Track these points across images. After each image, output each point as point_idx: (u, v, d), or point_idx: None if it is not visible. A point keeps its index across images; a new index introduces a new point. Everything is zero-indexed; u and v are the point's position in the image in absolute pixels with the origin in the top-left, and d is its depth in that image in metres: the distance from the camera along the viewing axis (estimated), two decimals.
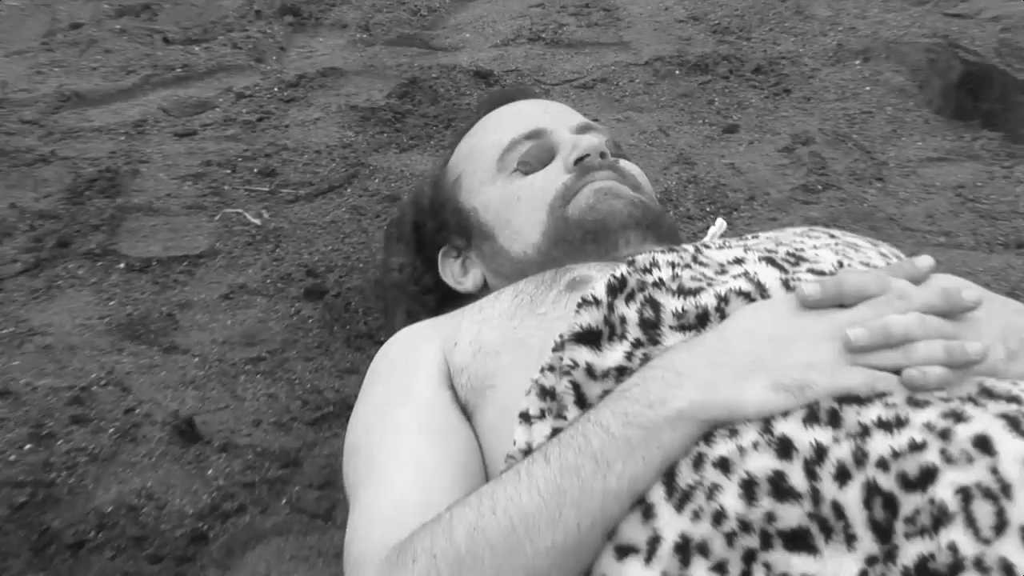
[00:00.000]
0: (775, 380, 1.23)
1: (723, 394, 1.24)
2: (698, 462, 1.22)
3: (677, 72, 2.83)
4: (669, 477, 1.23)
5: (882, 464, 1.16)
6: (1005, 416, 1.17)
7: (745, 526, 1.17)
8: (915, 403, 1.20)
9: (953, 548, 1.09)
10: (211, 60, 3.00)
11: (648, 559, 1.20)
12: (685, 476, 1.22)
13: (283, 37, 3.09)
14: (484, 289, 1.82)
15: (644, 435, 1.23)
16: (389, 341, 1.67)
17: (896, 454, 1.15)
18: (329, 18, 3.15)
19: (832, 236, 1.60)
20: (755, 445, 1.20)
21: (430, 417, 1.52)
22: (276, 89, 2.83)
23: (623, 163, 1.81)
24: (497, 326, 1.56)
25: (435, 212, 1.92)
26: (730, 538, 1.17)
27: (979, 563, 1.08)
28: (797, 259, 1.46)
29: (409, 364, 1.60)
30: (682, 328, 1.37)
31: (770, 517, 1.17)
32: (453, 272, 1.88)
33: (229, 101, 2.80)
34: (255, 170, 2.53)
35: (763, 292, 1.38)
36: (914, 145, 2.58)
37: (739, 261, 1.45)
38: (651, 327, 1.37)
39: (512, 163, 1.82)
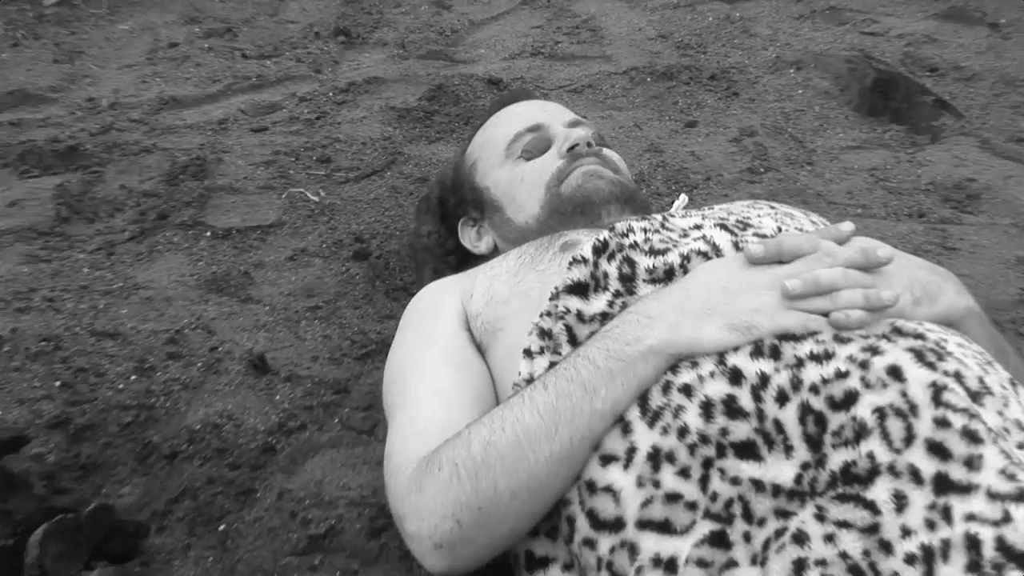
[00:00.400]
0: (727, 322, 1.23)
1: (686, 333, 1.23)
2: (666, 388, 1.22)
3: (648, 79, 2.80)
4: (643, 400, 1.23)
5: (814, 389, 1.16)
6: (912, 350, 1.18)
7: (704, 439, 1.18)
8: (840, 340, 1.20)
9: (871, 456, 1.10)
10: (279, 71, 2.97)
11: (626, 466, 1.21)
12: (656, 399, 1.22)
13: (336, 53, 3.06)
14: (494, 251, 1.80)
15: (623, 367, 1.23)
16: (419, 294, 1.66)
17: (825, 381, 1.16)
18: (373, 38, 3.12)
19: (772, 207, 1.59)
20: (712, 374, 1.21)
21: (452, 354, 1.51)
22: (331, 94, 2.81)
23: (606, 151, 1.79)
24: (505, 280, 1.55)
25: (456, 190, 1.90)
26: (692, 449, 1.18)
27: (892, 468, 1.09)
28: (745, 225, 1.45)
29: (435, 312, 1.59)
30: (653, 281, 1.36)
31: (724, 432, 1.17)
32: (470, 238, 1.87)
33: (293, 103, 2.78)
34: (314, 158, 2.51)
35: (718, 252, 1.38)
36: (837, 136, 2.56)
37: (698, 227, 1.44)
38: (628, 280, 1.37)
39: (517, 151, 1.80)
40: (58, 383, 1.74)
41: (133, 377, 1.77)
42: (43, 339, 1.84)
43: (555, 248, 1.54)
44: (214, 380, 1.77)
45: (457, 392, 1.44)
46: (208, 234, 2.22)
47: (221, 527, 1.50)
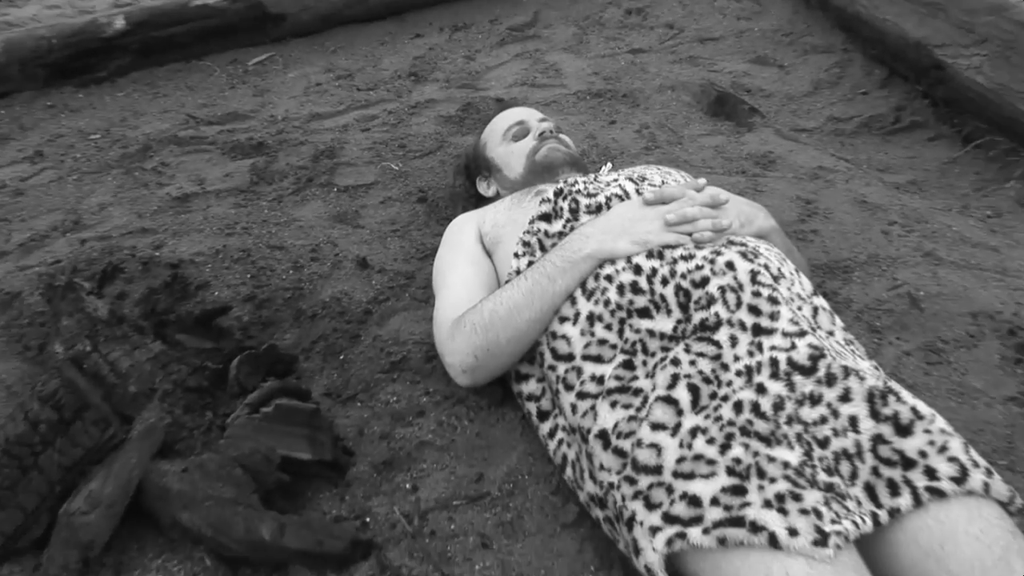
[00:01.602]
0: (632, 239, 1.15)
1: (608, 245, 1.15)
2: (596, 277, 1.14)
3: (588, 98, 2.63)
4: (583, 284, 1.15)
5: (683, 276, 1.08)
6: (740, 252, 1.10)
7: (619, 307, 1.10)
8: (698, 248, 1.12)
9: (717, 315, 1.03)
10: (377, 97, 2.79)
11: (574, 323, 1.13)
12: (590, 283, 1.14)
13: (410, 86, 2.87)
14: (497, 196, 1.68)
15: (571, 265, 1.16)
16: (453, 221, 1.56)
17: (689, 271, 1.08)
18: (430, 77, 2.94)
19: (659, 168, 1.49)
20: (624, 268, 1.12)
21: (471, 257, 1.41)
22: (406, 109, 2.63)
23: (562, 136, 1.67)
24: (503, 213, 1.45)
25: (475, 159, 1.78)
26: (612, 312, 1.10)
27: (729, 321, 1.02)
28: (642, 179, 1.35)
29: (462, 232, 1.49)
30: (589, 213, 1.27)
31: (631, 302, 1.10)
32: (483, 188, 1.75)
33: (385, 115, 2.61)
34: (396, 145, 2.36)
35: (627, 195, 1.28)
36: (695, 128, 2.41)
37: (616, 180, 1.34)
38: (574, 212, 1.27)
39: (510, 136, 1.68)
40: (249, 276, 1.64)
41: (291, 271, 1.67)
42: (241, 251, 1.74)
43: (532, 194, 1.44)
44: (337, 272, 1.67)
45: (474, 280, 1.34)
46: (335, 189, 2.10)
47: (341, 357, 1.42)
